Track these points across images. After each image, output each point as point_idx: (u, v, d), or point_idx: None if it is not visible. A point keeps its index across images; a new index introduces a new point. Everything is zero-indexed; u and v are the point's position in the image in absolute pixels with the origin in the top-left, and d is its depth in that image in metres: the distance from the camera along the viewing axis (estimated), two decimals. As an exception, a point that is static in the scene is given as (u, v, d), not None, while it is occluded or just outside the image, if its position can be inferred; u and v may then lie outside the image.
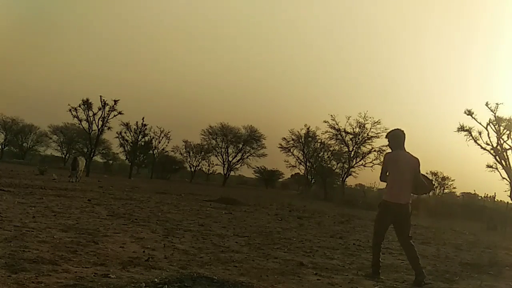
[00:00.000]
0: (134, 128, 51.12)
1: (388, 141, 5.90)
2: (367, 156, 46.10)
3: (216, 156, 60.35)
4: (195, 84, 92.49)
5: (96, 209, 9.94)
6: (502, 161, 31.34)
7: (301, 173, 57.14)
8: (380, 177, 5.79)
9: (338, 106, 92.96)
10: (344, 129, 45.71)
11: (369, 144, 45.78)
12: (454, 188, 63.94)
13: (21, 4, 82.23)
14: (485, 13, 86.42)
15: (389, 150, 5.89)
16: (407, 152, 5.76)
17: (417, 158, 5.74)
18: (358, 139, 45.59)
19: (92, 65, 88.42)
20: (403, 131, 5.82)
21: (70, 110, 40.44)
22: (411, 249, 5.56)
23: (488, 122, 31.39)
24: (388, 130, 6.01)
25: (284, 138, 51.90)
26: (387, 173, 5.67)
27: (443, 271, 6.43)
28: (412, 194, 5.81)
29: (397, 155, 5.67)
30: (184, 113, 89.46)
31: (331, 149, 48.97)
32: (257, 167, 63.03)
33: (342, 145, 47.09)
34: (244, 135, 58.58)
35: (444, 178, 62.57)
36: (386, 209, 5.62)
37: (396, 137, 5.79)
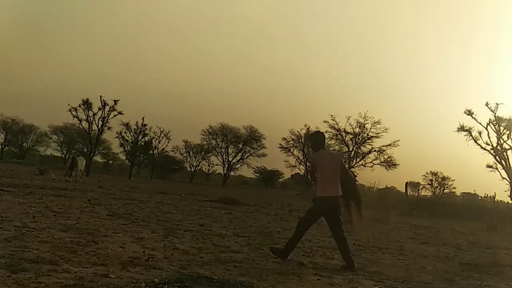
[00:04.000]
0: (134, 128, 51.25)
1: (310, 143, 6.56)
2: (367, 156, 46.20)
3: (216, 156, 60.49)
4: (195, 84, 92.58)
5: (96, 209, 9.94)
6: (502, 161, 31.38)
7: (301, 173, 57.18)
8: (310, 177, 6.42)
9: (338, 106, 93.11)
10: (344, 129, 45.81)
11: (369, 144, 45.91)
12: (454, 188, 64.11)
13: (21, 4, 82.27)
14: (485, 13, 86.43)
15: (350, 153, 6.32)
16: (328, 150, 6.21)
17: (338, 154, 6.27)
18: (358, 139, 45.65)
19: (92, 65, 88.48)
20: (322, 132, 6.67)
21: (70, 110, 40.64)
22: (345, 241, 5.98)
23: (488, 122, 31.47)
24: (310, 133, 6.58)
25: (284, 138, 52.04)
26: (315, 173, 6.16)
27: (443, 271, 6.43)
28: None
29: (321, 154, 6.16)
30: (184, 113, 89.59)
31: (331, 149, 48.98)
32: (257, 167, 63.15)
33: (342, 145, 47.12)
34: (244, 135, 58.68)
35: (444, 178, 62.71)
36: (323, 204, 6.06)
37: (317, 139, 6.39)
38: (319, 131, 6.87)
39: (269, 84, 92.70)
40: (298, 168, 54.21)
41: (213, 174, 67.28)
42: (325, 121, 46.26)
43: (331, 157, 6.27)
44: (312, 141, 6.52)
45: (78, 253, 5.08)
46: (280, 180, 71.71)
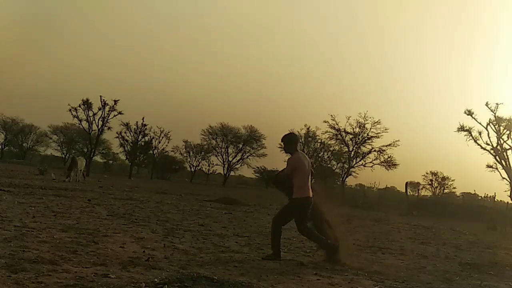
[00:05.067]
0: (134, 128, 51.08)
1: (284, 145, 6.37)
2: (367, 156, 46.10)
3: (216, 156, 60.34)
4: (195, 84, 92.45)
5: (96, 209, 9.94)
6: (502, 161, 31.38)
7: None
8: (286, 181, 6.28)
9: (338, 106, 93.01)
10: (344, 129, 45.67)
11: (369, 144, 45.79)
12: (454, 188, 63.95)
13: (21, 4, 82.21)
14: (485, 13, 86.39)
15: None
16: (302, 152, 6.72)
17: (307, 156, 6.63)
18: (358, 139, 45.56)
19: (92, 65, 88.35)
20: (296, 134, 6.66)
21: (70, 110, 40.54)
22: (313, 233, 6.17)
23: (488, 122, 31.45)
24: (284, 134, 6.46)
25: (284, 138, 51.91)
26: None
27: (443, 271, 6.43)
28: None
29: (299, 157, 6.25)
30: (184, 113, 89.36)
31: (331, 149, 48.97)
32: (257, 167, 63.04)
33: (342, 145, 47.08)
34: (244, 135, 58.57)
35: (444, 178, 62.57)
36: (303, 204, 6.17)
37: (293, 140, 6.39)
38: (292, 132, 6.92)
39: (269, 84, 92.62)
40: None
41: (213, 174, 67.21)
42: (325, 121, 46.18)
43: (306, 159, 6.35)
44: (286, 143, 6.40)
45: (78, 253, 5.08)
46: (280, 180, 71.62)
